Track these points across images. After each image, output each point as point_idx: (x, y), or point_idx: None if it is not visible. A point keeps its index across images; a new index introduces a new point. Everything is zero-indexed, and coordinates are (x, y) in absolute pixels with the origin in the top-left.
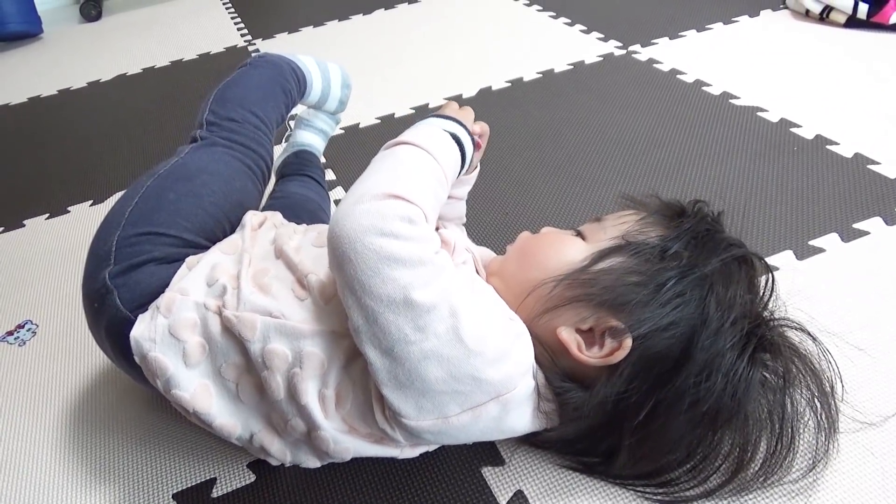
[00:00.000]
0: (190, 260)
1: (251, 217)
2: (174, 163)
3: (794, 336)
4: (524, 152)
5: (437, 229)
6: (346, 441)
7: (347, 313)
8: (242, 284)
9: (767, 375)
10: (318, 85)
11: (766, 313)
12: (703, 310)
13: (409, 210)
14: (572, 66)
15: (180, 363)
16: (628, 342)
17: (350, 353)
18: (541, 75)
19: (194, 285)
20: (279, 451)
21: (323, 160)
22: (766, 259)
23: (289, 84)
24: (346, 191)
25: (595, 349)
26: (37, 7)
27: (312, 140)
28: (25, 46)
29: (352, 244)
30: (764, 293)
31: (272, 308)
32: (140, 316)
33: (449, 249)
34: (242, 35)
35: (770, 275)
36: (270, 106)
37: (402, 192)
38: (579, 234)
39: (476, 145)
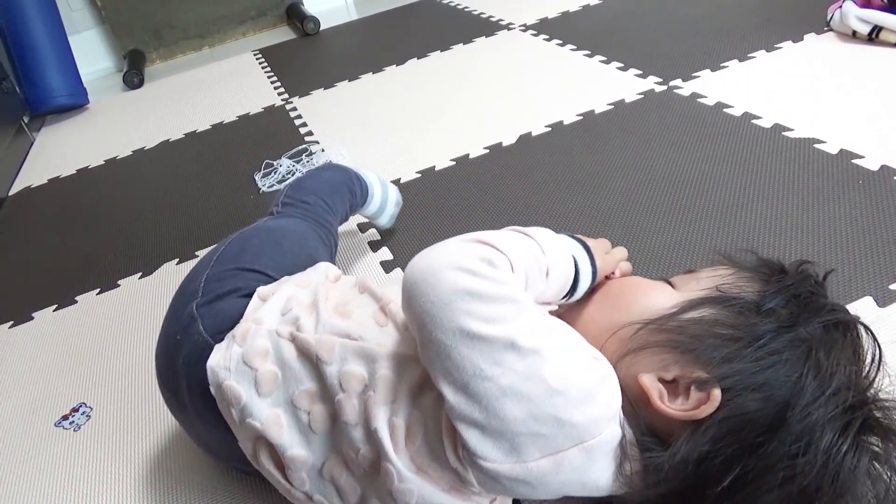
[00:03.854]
0: (262, 291)
1: (327, 267)
2: (253, 225)
3: None
4: (571, 200)
5: None
6: (412, 481)
7: (419, 349)
8: (321, 310)
9: (878, 466)
10: (377, 198)
11: (871, 391)
12: (801, 374)
13: (493, 254)
14: (612, 106)
15: (253, 392)
16: (717, 393)
17: (421, 381)
18: (581, 117)
19: (269, 315)
20: (348, 485)
21: (378, 237)
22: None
23: (354, 187)
24: (403, 271)
25: (679, 401)
26: (82, 77)
27: None
28: (73, 117)
29: (423, 276)
30: (870, 369)
31: (351, 331)
32: (217, 346)
33: None
34: (280, 94)
35: (878, 348)
36: (338, 200)
37: (491, 240)
38: (668, 284)
39: (596, 277)
